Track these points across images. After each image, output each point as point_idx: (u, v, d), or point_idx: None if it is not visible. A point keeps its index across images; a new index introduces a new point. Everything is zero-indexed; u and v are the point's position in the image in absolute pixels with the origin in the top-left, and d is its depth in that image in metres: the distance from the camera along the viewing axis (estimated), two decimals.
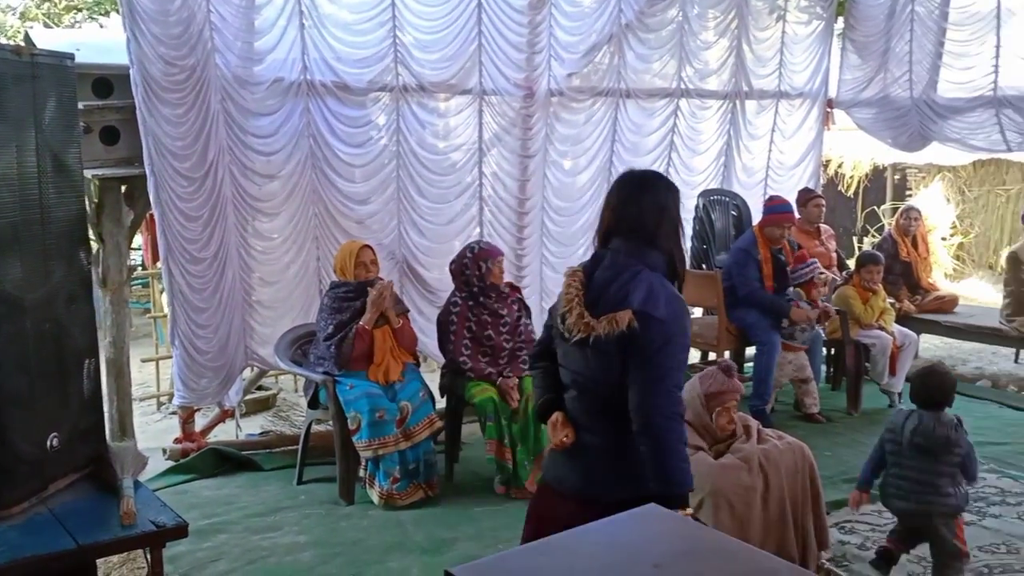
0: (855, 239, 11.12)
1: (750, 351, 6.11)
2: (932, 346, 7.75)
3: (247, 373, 5.66)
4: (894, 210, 9.56)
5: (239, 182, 5.03)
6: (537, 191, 6.13)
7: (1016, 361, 7.52)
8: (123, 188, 4.91)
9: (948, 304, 7.19)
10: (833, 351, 6.50)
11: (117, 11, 5.78)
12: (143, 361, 6.62)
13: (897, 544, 3.70)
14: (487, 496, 4.67)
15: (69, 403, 3.02)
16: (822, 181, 8.15)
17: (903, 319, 6.70)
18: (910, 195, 11.27)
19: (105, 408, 3.77)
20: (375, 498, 4.54)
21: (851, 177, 11.12)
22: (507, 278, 5.27)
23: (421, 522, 4.33)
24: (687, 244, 6.40)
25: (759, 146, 7.24)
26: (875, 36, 7.36)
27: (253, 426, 5.92)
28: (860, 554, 3.97)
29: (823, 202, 6.76)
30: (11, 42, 7.51)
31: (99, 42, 6.21)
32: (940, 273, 9.67)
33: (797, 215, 6.39)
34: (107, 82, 4.69)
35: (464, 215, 5.87)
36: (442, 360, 5.01)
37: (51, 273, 2.94)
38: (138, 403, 6.10)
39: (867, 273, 6.19)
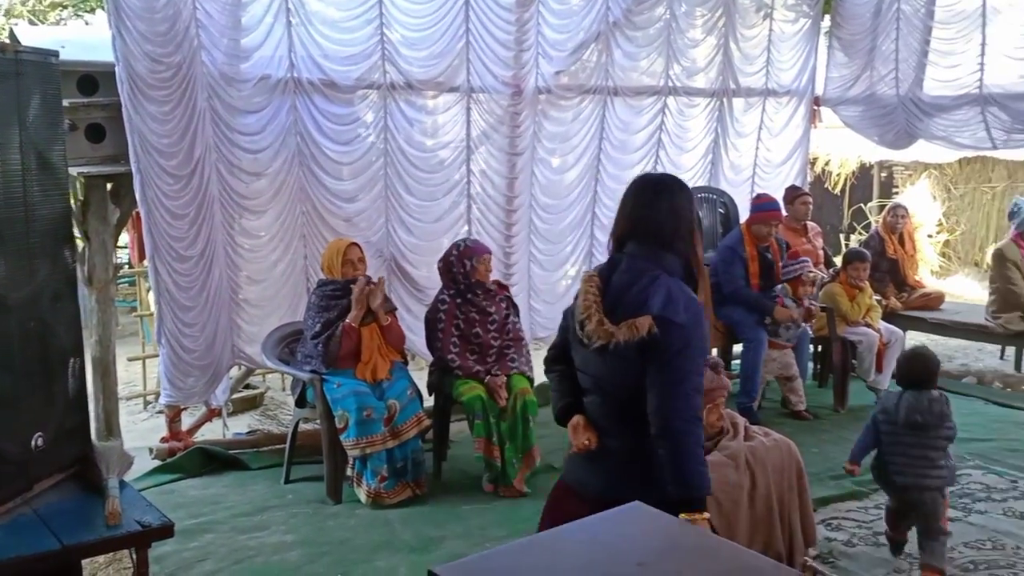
0: (842, 236, 11.17)
1: (738, 348, 6.13)
2: (918, 343, 7.73)
3: (234, 372, 5.64)
4: (881, 207, 9.62)
5: (226, 180, 5.01)
6: (525, 189, 6.13)
7: (1001, 358, 7.57)
8: (109, 186, 4.89)
9: (934, 301, 7.24)
10: (820, 348, 6.52)
11: (103, 8, 5.75)
12: (129, 360, 6.59)
13: (901, 531, 3.92)
14: (475, 494, 4.67)
15: (54, 402, 3.00)
16: (809, 179, 8.18)
17: (889, 316, 6.73)
18: (896, 192, 11.32)
19: (91, 407, 3.76)
20: (363, 497, 4.53)
21: (838, 174, 11.17)
22: (495, 276, 5.28)
23: (409, 521, 4.33)
24: None
25: (746, 144, 7.26)
26: (861, 34, 7.39)
27: (240, 425, 5.90)
28: (847, 550, 3.99)
29: (810, 199, 6.79)
30: None
31: (84, 39, 6.17)
32: (926, 270, 9.72)
33: (784, 212, 6.41)
34: (92, 79, 4.66)
35: (452, 213, 5.87)
36: (430, 358, 5.01)
37: (36, 272, 2.92)
38: (124, 402, 6.08)
39: (854, 270, 6.22)
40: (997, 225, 10.81)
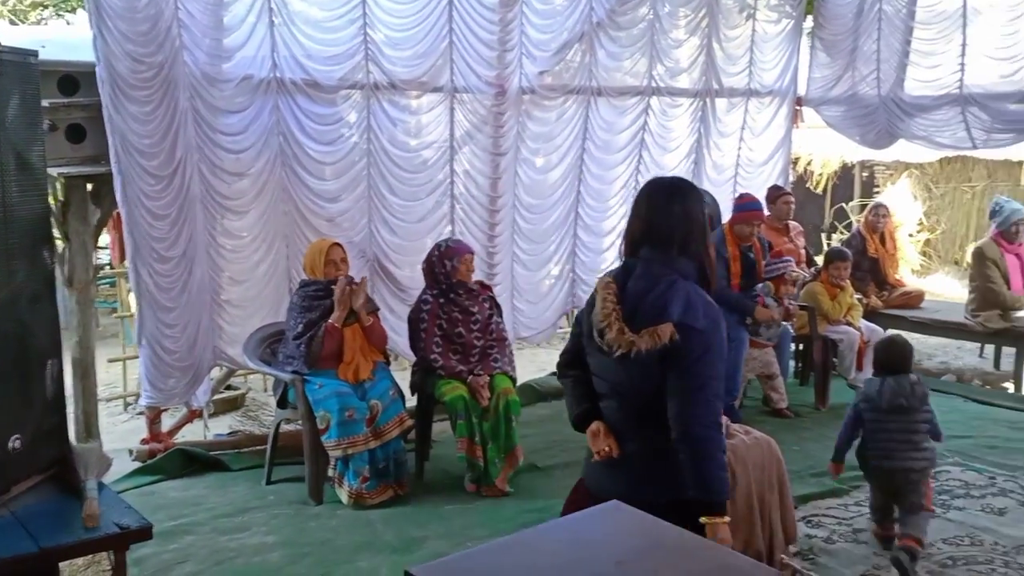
0: (823, 236, 11.23)
1: None
2: None
3: (215, 373, 5.61)
4: (862, 207, 9.69)
5: (208, 180, 4.98)
6: (509, 189, 6.13)
7: (981, 355, 7.64)
8: (89, 186, 4.85)
9: (914, 299, 7.29)
10: (801, 346, 6.56)
11: (84, 8, 5.71)
12: (110, 361, 6.54)
13: (887, 527, 4.00)
14: (458, 494, 4.66)
15: (32, 404, 2.98)
16: (791, 178, 8.22)
17: (870, 315, 6.78)
18: (878, 192, 11.40)
19: (71, 409, 3.73)
20: (344, 498, 4.52)
21: (820, 174, 11.23)
22: (478, 276, 5.28)
23: (391, 521, 4.32)
24: None
25: (729, 144, 7.29)
26: (843, 35, 7.43)
27: (221, 426, 5.87)
28: (827, 547, 4.02)
29: (792, 199, 6.81)
30: None
31: (65, 39, 6.14)
32: (907, 269, 9.79)
33: (766, 212, 6.44)
34: (73, 79, 4.62)
35: (435, 213, 5.86)
36: (413, 358, 5.00)
37: (14, 273, 2.90)
38: (105, 403, 6.04)
39: (835, 269, 6.26)
40: (977, 224, 10.92)
